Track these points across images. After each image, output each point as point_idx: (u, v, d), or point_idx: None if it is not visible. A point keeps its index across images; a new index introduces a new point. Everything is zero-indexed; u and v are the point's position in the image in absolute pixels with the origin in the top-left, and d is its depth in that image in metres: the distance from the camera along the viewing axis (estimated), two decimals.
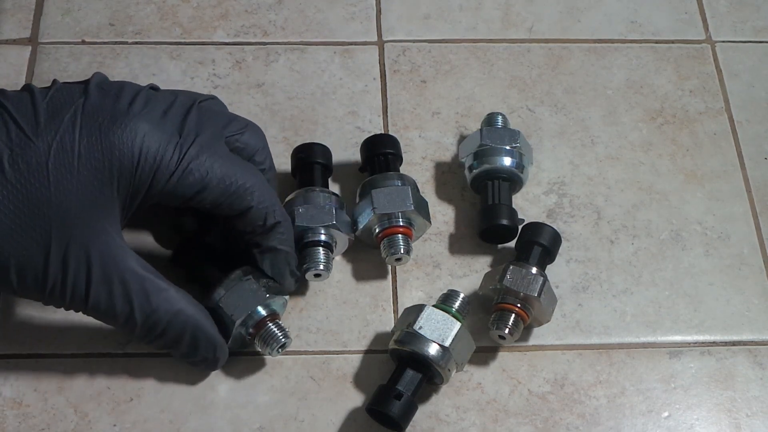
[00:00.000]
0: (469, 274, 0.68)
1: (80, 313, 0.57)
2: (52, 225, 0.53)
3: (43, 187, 0.53)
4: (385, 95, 0.75)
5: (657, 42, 0.80)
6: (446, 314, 0.61)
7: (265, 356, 0.62)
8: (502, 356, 0.65)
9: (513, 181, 0.69)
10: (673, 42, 0.80)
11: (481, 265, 0.68)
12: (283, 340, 0.60)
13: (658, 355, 0.66)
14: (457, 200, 0.71)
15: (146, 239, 0.66)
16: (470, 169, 0.69)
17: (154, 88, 0.60)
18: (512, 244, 0.68)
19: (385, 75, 0.76)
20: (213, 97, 0.63)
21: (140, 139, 0.55)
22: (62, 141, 0.54)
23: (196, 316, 0.58)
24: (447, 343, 0.60)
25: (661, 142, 0.75)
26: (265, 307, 0.60)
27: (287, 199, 0.65)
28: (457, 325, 0.61)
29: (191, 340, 0.58)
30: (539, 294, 0.62)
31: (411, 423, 0.60)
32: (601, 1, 0.81)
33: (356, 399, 0.62)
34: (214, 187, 0.57)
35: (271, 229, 0.60)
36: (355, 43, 0.78)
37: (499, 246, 0.69)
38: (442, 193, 0.71)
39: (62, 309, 0.57)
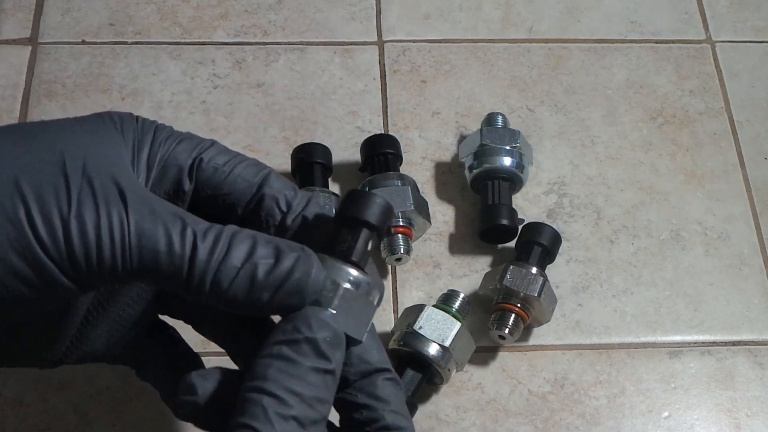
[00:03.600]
0: (469, 274, 0.68)
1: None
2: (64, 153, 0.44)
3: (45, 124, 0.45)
4: (385, 95, 0.75)
5: (657, 42, 0.80)
6: (446, 314, 0.61)
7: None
8: (502, 356, 0.65)
9: (513, 181, 0.69)
10: (673, 42, 0.80)
11: (481, 265, 0.68)
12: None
13: (658, 355, 0.66)
14: (457, 200, 0.71)
15: None
16: (470, 169, 0.69)
17: None
18: (512, 244, 0.68)
19: (385, 75, 0.76)
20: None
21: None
22: None
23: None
24: (447, 343, 0.60)
25: (661, 142, 0.75)
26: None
27: None
28: (457, 325, 0.61)
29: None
30: (539, 294, 0.62)
31: None
32: (601, 1, 0.81)
33: None
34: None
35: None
36: (355, 43, 0.78)
37: (499, 246, 0.69)
38: (442, 193, 0.71)
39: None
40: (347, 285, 0.42)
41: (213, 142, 0.47)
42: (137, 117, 0.47)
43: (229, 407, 0.42)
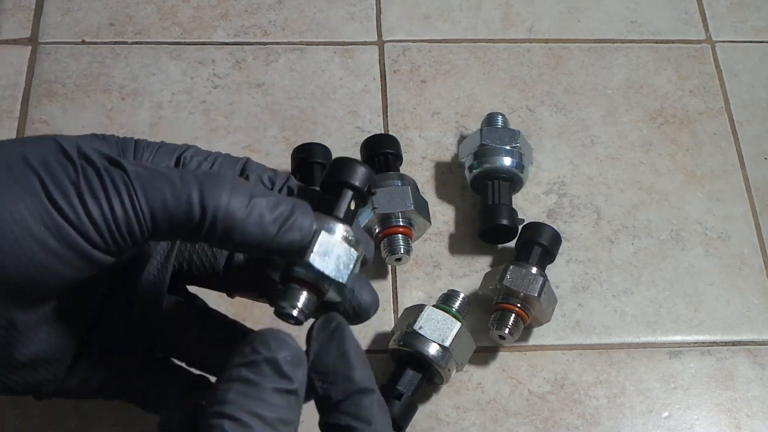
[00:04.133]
0: (469, 274, 0.68)
1: None
2: None
3: None
4: (385, 95, 0.75)
5: (657, 42, 0.80)
6: (446, 314, 0.61)
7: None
8: (502, 356, 0.65)
9: (513, 181, 0.69)
10: (673, 42, 0.80)
11: (481, 265, 0.68)
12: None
13: (658, 355, 0.66)
14: (457, 200, 0.71)
15: None
16: (470, 169, 0.69)
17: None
18: (512, 244, 0.68)
19: (385, 75, 0.76)
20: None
21: None
22: None
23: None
24: (447, 343, 0.60)
25: (661, 142, 0.75)
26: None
27: None
28: (457, 325, 0.61)
29: None
30: (539, 294, 0.62)
31: (411, 423, 0.60)
32: (601, 1, 0.81)
33: None
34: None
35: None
36: (355, 43, 0.78)
37: (499, 246, 0.69)
38: (442, 193, 0.71)
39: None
40: (330, 234, 0.45)
41: (189, 146, 0.50)
42: (116, 136, 0.49)
43: None
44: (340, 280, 0.45)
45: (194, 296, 0.53)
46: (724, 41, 0.80)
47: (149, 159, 0.48)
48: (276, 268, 0.46)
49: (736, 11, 0.82)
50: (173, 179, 0.43)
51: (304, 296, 0.45)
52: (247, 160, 0.49)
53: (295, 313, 0.45)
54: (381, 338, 0.65)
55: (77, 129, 0.71)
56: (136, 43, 0.76)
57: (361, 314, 0.49)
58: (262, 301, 0.51)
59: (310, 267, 0.44)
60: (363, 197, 0.47)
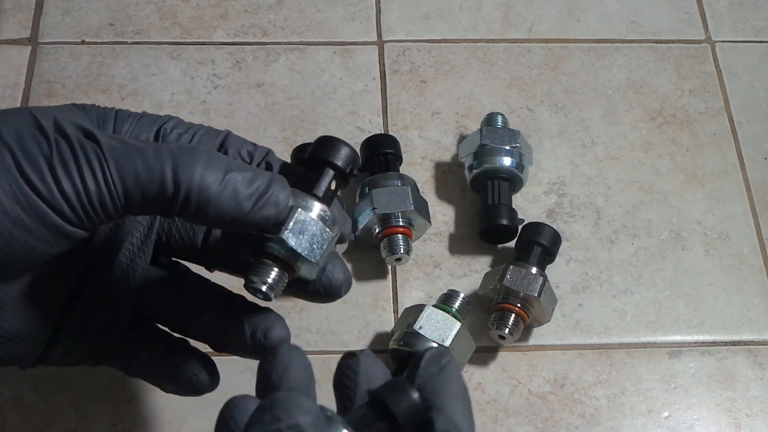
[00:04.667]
0: (469, 274, 0.68)
1: None
2: None
3: None
4: (385, 95, 0.75)
5: (657, 42, 0.80)
6: (446, 314, 0.61)
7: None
8: (502, 356, 0.65)
9: (513, 181, 0.69)
10: (673, 42, 0.80)
11: (481, 265, 0.68)
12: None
13: (658, 355, 0.66)
14: (457, 200, 0.71)
15: None
16: (470, 169, 0.69)
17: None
18: (512, 244, 0.68)
19: (385, 75, 0.76)
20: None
21: None
22: None
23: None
24: (447, 343, 0.60)
25: (661, 142, 0.75)
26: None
27: None
28: (457, 325, 0.61)
29: None
30: (539, 294, 0.62)
31: None
32: (601, 1, 0.81)
33: None
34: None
35: None
36: (355, 43, 0.78)
37: (499, 246, 0.69)
38: (442, 193, 0.71)
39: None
40: (306, 212, 0.45)
41: (171, 116, 0.50)
42: (97, 105, 0.49)
43: None
44: (312, 259, 0.45)
45: (176, 263, 0.53)
46: (724, 41, 0.80)
47: (129, 130, 0.48)
48: (250, 244, 0.46)
49: (736, 11, 0.82)
50: (147, 153, 0.42)
51: (275, 272, 0.45)
52: (228, 134, 0.49)
53: (264, 288, 0.45)
54: (381, 338, 0.65)
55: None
56: (136, 43, 0.76)
57: (332, 293, 0.49)
58: (240, 276, 0.51)
59: (284, 243, 0.44)
60: (344, 178, 0.47)
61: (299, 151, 0.69)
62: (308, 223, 0.45)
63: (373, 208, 0.65)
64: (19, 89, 0.73)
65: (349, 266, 0.67)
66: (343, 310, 0.65)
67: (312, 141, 0.69)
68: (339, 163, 0.46)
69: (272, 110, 0.74)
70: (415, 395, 0.40)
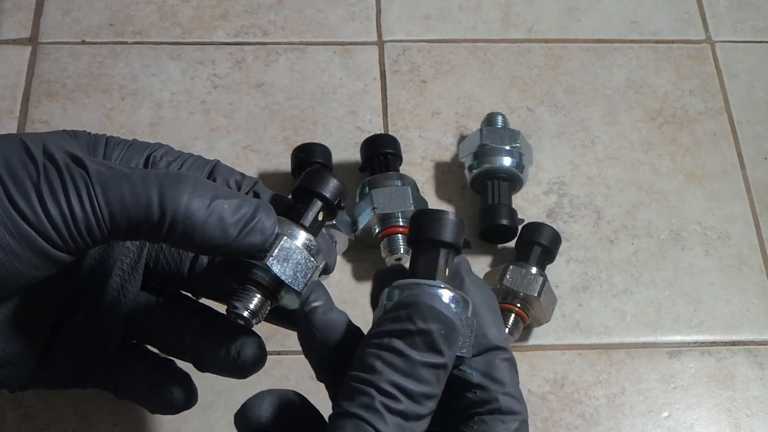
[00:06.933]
0: None
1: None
2: None
3: None
4: (385, 95, 0.75)
5: (657, 42, 0.80)
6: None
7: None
8: None
9: (513, 181, 0.69)
10: (673, 42, 0.80)
11: (481, 265, 0.68)
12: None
13: (658, 355, 0.66)
14: (457, 200, 0.71)
15: None
16: (470, 169, 0.69)
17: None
18: (512, 244, 0.68)
19: (385, 75, 0.76)
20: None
21: None
22: None
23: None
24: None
25: (661, 142, 0.75)
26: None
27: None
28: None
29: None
30: (539, 294, 0.62)
31: None
32: (601, 1, 0.81)
33: None
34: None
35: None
36: (355, 43, 0.78)
37: (499, 246, 0.69)
38: (442, 193, 0.71)
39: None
40: (292, 240, 0.45)
41: (161, 144, 0.50)
42: (88, 132, 0.50)
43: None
44: (296, 287, 0.45)
45: (164, 287, 0.53)
46: (723, 41, 0.80)
47: (119, 157, 0.49)
48: (234, 269, 0.45)
49: (735, 11, 0.82)
50: (134, 179, 0.43)
51: (257, 299, 0.45)
52: (217, 163, 0.49)
53: (245, 314, 0.45)
54: None
55: (77, 129, 0.71)
56: (136, 43, 0.76)
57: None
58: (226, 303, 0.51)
59: (268, 270, 0.44)
60: (332, 209, 0.47)
61: (299, 151, 0.69)
62: (293, 252, 0.45)
63: (373, 208, 0.65)
64: (19, 89, 0.73)
65: (349, 266, 0.67)
66: (343, 310, 0.65)
67: (312, 141, 0.70)
68: (327, 195, 0.47)
69: (272, 110, 0.74)
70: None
